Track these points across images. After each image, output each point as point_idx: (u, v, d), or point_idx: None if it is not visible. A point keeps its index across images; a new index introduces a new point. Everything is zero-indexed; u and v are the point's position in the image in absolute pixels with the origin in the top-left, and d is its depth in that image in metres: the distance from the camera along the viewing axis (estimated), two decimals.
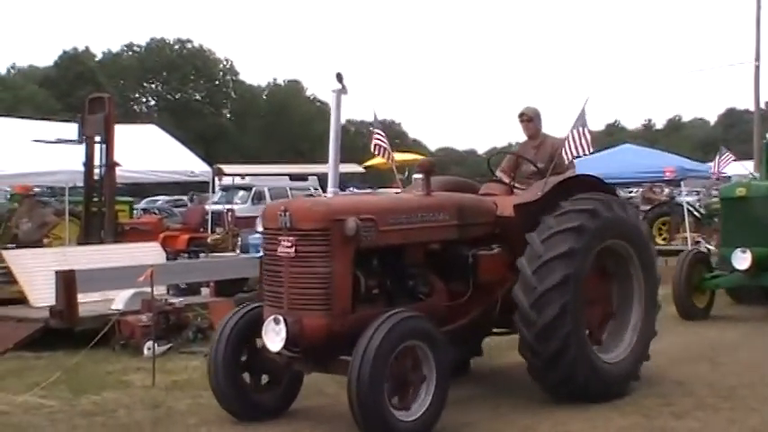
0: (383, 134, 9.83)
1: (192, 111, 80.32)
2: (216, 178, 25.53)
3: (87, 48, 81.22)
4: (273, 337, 6.75)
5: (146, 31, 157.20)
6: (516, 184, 8.95)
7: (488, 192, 8.94)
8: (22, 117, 28.89)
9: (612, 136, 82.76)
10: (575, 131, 8.32)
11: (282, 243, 6.93)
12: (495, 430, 7.22)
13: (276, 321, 6.72)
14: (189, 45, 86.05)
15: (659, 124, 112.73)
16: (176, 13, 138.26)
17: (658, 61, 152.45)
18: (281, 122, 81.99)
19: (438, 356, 6.82)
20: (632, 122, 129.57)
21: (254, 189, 31.36)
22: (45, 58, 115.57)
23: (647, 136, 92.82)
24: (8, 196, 24.60)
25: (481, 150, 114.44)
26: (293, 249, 6.86)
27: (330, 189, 10.44)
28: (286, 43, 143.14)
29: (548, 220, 7.83)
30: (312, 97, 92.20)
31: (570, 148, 8.34)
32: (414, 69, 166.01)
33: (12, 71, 79.10)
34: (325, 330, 6.78)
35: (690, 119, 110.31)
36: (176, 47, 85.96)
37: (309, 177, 34.71)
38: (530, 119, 9.25)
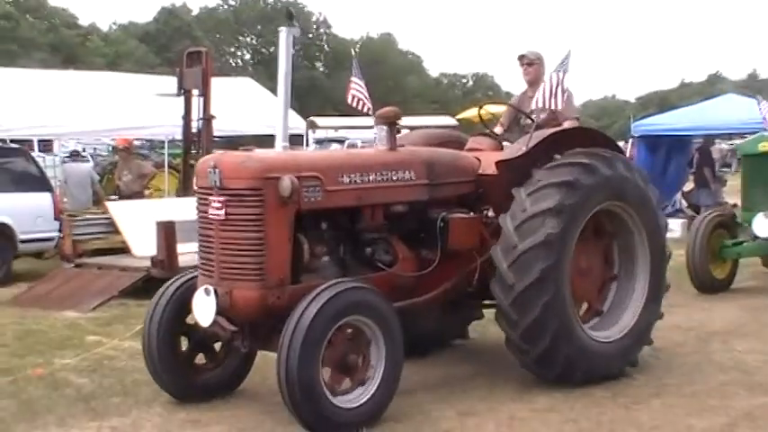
0: (361, 84, 8.94)
1: None
2: (309, 131, 25.75)
3: (185, 3, 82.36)
4: (203, 311, 6.05)
5: None
6: (507, 139, 7.96)
7: (475, 147, 7.84)
8: (123, 71, 29.50)
9: (714, 86, 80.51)
10: (552, 78, 7.29)
11: (212, 204, 6.10)
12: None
13: (206, 293, 6.01)
14: None
15: (765, 74, 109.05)
16: None
17: (763, 10, 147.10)
18: (374, 75, 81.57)
19: (388, 334, 6.00)
20: (736, 73, 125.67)
21: (346, 141, 31.60)
22: (144, 14, 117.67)
23: (752, 85, 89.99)
24: (110, 149, 25.25)
25: (577, 102, 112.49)
26: (223, 211, 6.04)
27: (279, 144, 9.08)
28: None
29: (537, 174, 6.89)
30: (405, 50, 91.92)
31: (543, 96, 7.28)
32: (506, 19, 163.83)
33: (113, 27, 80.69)
34: (259, 303, 6.01)
35: None
36: (270, 0, 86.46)
37: (402, 130, 34.74)
38: (530, 62, 8.22)
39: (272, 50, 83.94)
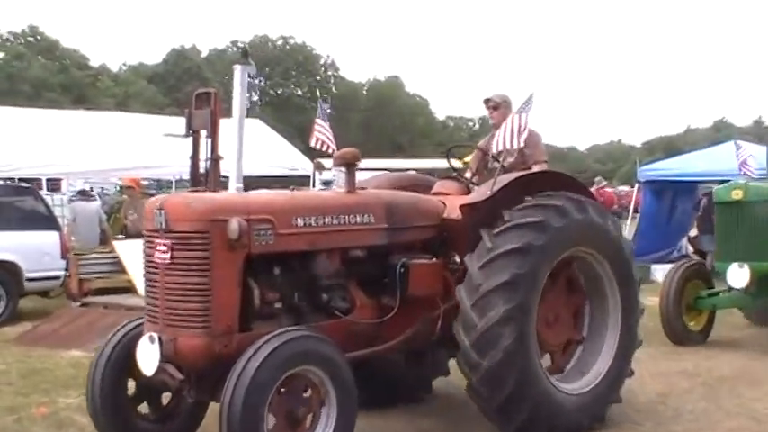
0: (326, 126, 8.74)
1: (294, 105, 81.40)
2: (316, 172, 25.80)
3: (194, 45, 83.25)
4: (147, 358, 5.68)
5: (250, 28, 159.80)
6: (474, 182, 7.71)
7: (441, 190, 7.56)
8: (132, 112, 29.69)
9: (720, 132, 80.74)
10: (514, 119, 7.05)
11: (158, 247, 5.77)
12: None
13: (151, 340, 5.66)
14: (291, 41, 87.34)
15: None
16: (280, 11, 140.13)
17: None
18: (381, 117, 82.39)
19: (339, 385, 5.64)
20: (742, 120, 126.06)
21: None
22: (154, 55, 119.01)
23: (757, 133, 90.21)
24: (118, 188, 25.35)
25: (582, 147, 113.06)
26: (168, 255, 5.70)
27: (233, 185, 8.63)
28: (386, 40, 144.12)
29: (506, 214, 6.58)
30: (412, 93, 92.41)
31: (504, 137, 7.01)
32: (514, 65, 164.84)
33: (123, 68, 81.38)
34: (205, 351, 5.63)
35: None
36: (279, 43, 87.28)
37: (409, 171, 34.86)
38: (496, 105, 8.06)
39: (280, 92, 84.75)
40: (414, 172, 8.44)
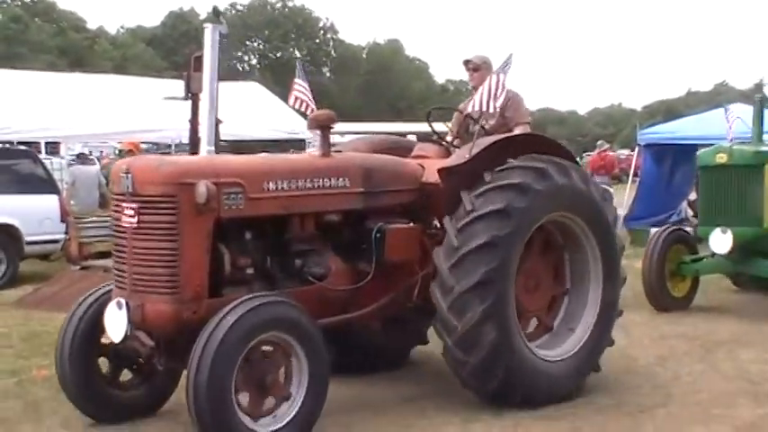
0: (305, 86, 8.57)
1: (293, 69, 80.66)
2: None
3: (193, 8, 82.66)
4: (114, 325, 5.57)
5: None
6: (455, 145, 7.50)
7: (420, 154, 7.37)
8: (130, 74, 29.59)
9: (721, 95, 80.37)
10: (492, 80, 6.92)
11: (125, 211, 5.63)
12: None
13: (118, 306, 5.54)
14: (290, 3, 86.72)
15: None
16: None
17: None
18: (381, 81, 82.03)
19: (310, 351, 5.55)
20: (742, 83, 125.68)
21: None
22: (152, 18, 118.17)
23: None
24: (117, 152, 25.35)
25: (582, 111, 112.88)
26: (135, 219, 5.56)
27: (204, 148, 8.41)
28: (386, 3, 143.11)
29: (487, 176, 6.43)
30: (412, 57, 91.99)
31: (481, 99, 6.91)
32: (514, 28, 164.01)
33: (121, 30, 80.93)
34: (172, 318, 5.53)
35: None
36: (278, 5, 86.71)
37: (408, 136, 34.81)
38: (476, 67, 7.80)
39: (278, 55, 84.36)
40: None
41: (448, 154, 7.26)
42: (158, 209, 5.55)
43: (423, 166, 6.92)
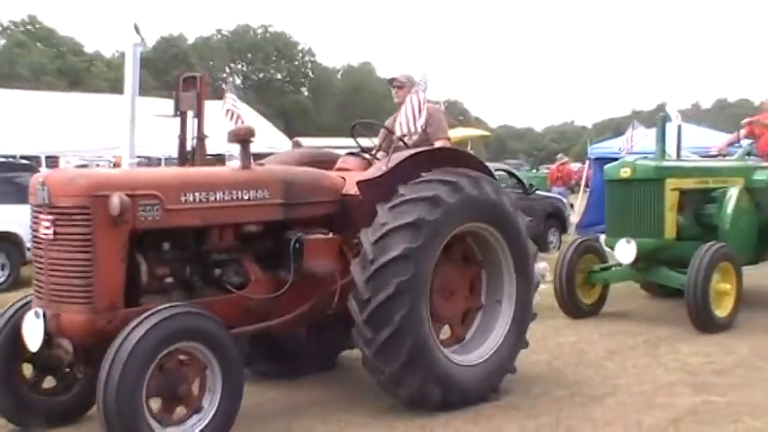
0: (236, 99, 8.26)
1: (274, 89, 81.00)
2: (294, 150, 25.73)
3: (182, 33, 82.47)
4: (32, 334, 5.31)
5: (233, 17, 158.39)
6: (379, 158, 7.17)
7: (343, 167, 7.07)
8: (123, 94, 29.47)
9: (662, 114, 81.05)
10: (413, 100, 6.76)
11: (42, 223, 5.37)
12: None
13: (36, 315, 5.29)
14: (271, 29, 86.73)
15: (706, 104, 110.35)
16: (261, 1, 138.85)
17: (706, 44, 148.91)
18: (355, 100, 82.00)
19: (223, 360, 5.26)
20: (681, 103, 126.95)
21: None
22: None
23: (696, 114, 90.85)
24: (112, 165, 25.20)
25: (538, 128, 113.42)
26: (51, 230, 5.28)
27: (126, 161, 7.67)
28: (360, 29, 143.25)
29: (401, 189, 6.16)
30: (383, 78, 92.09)
31: (406, 120, 6.76)
32: (476, 52, 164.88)
33: (116, 54, 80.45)
34: (87, 327, 5.22)
35: (735, 99, 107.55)
36: (260, 31, 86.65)
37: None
38: (401, 85, 7.59)
39: (261, 76, 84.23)
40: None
41: (369, 167, 6.94)
42: (73, 220, 5.26)
43: (344, 179, 6.64)
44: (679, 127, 11.76)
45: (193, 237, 5.86)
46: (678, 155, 11.43)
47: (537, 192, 18.83)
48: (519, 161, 52.89)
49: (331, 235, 6.39)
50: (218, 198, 5.80)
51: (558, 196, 20.24)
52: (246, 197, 5.96)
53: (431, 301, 6.26)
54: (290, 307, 6.16)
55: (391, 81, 7.84)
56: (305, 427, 6.01)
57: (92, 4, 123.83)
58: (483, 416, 6.19)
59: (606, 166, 10.48)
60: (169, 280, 5.70)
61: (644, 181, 9.77)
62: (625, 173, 9.90)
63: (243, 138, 6.16)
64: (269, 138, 21.92)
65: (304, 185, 6.34)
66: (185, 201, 5.63)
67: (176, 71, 49.69)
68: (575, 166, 27.61)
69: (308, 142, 29.20)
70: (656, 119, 10.77)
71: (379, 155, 7.25)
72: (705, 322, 8.96)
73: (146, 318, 5.03)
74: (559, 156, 25.87)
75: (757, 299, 10.57)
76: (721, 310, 9.17)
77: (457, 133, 37.67)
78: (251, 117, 23.48)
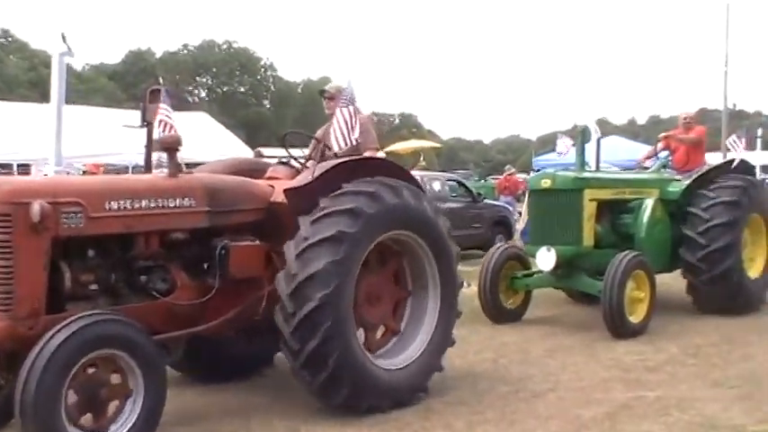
0: (169, 110, 8.00)
1: (237, 102, 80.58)
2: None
3: (150, 48, 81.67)
4: None
5: (199, 32, 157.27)
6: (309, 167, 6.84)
7: (273, 175, 6.92)
8: (94, 105, 29.14)
9: (601, 129, 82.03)
10: (344, 113, 6.54)
11: None
12: None
13: None
14: (235, 45, 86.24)
15: (641, 120, 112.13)
16: (225, 18, 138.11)
17: (641, 64, 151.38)
18: (314, 113, 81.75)
19: (145, 367, 5.02)
20: (618, 118, 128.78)
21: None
22: (114, 56, 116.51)
23: (632, 130, 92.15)
24: (82, 173, 24.91)
25: (487, 140, 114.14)
26: None
27: (52, 168, 7.70)
28: (319, 44, 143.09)
29: (322, 202, 5.95)
30: None
31: (341, 136, 6.55)
32: (431, 67, 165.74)
33: (86, 67, 79.47)
34: (7, 334, 4.94)
35: (667, 116, 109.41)
36: (224, 46, 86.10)
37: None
38: (331, 96, 7.44)
39: (225, 90, 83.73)
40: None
41: (297, 175, 6.74)
42: None
43: (273, 187, 6.43)
44: (598, 140, 11.79)
45: (119, 244, 5.60)
46: (597, 167, 11.48)
47: (485, 200, 19.01)
48: (469, 171, 53.13)
49: (258, 242, 6.15)
50: (142, 205, 5.57)
51: (506, 205, 20.41)
52: (172, 204, 5.73)
53: (359, 311, 6.12)
54: (217, 313, 5.96)
55: (322, 92, 7.75)
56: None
57: (62, 17, 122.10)
58: (433, 411, 6.22)
59: (529, 177, 10.31)
60: (94, 287, 5.44)
61: (563, 191, 9.71)
62: (546, 183, 9.84)
63: (169, 146, 5.92)
64: (232, 148, 21.81)
65: (231, 193, 6.11)
66: (109, 208, 5.40)
67: (144, 84, 49.27)
68: (521, 176, 27.94)
69: (269, 152, 29.16)
70: (576, 132, 10.75)
71: (309, 164, 7.02)
72: (619, 328, 8.87)
73: (66, 324, 4.79)
74: (507, 167, 26.20)
75: (683, 303, 10.68)
76: (635, 317, 9.09)
77: (410, 145, 37.93)
78: (214, 128, 23.39)
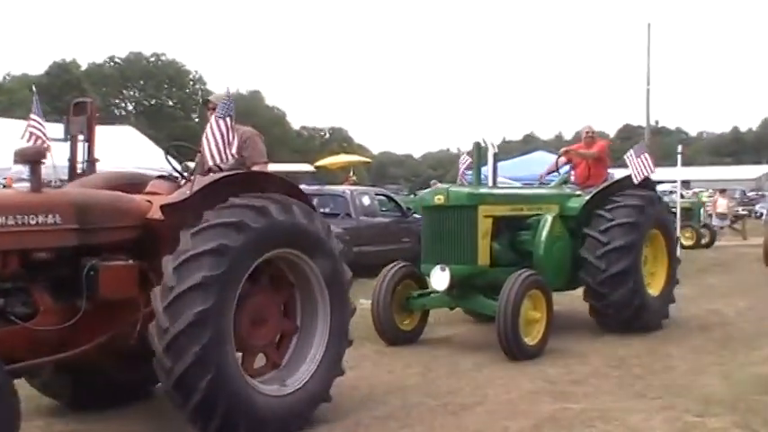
0: (40, 121, 7.79)
1: (166, 115, 79.61)
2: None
3: (74, 59, 79.95)
4: None
5: (125, 44, 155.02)
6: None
7: (153, 190, 6.42)
8: (15, 118, 28.49)
9: (528, 144, 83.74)
10: (221, 125, 6.09)
11: None
12: None
13: None
14: (163, 57, 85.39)
15: (568, 136, 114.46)
16: (153, 29, 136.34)
17: (568, 81, 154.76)
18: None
19: None
20: (546, 134, 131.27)
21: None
22: (37, 67, 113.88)
23: (558, 145, 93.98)
24: (2, 187, 24.27)
25: (417, 155, 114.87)
26: None
27: None
28: (249, 57, 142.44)
29: (206, 215, 5.55)
30: (271, 105, 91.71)
31: (217, 150, 6.11)
32: (361, 80, 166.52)
33: (7, 78, 77.46)
34: None
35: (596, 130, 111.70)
36: (152, 59, 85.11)
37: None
38: (214, 107, 6.91)
39: (152, 103, 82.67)
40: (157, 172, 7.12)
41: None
42: None
43: (151, 202, 5.96)
44: (495, 155, 11.17)
45: None
46: (494, 182, 11.05)
47: (414, 215, 19.13)
48: (399, 186, 53.49)
49: (131, 261, 5.66)
50: (0, 223, 5.07)
51: None
52: (34, 222, 5.22)
53: (241, 331, 5.71)
54: (86, 337, 5.49)
55: (206, 102, 7.47)
56: None
57: None
58: (362, 426, 6.21)
59: (421, 193, 9.78)
60: None
61: (457, 208, 9.28)
62: (439, 200, 9.36)
63: (31, 159, 5.48)
64: (158, 162, 21.46)
65: (102, 210, 5.63)
66: None
67: (69, 96, 48.28)
68: None
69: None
70: (473, 147, 10.40)
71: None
72: (514, 350, 8.49)
73: None
74: (433, 182, 26.41)
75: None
76: (531, 338, 8.69)
77: (340, 159, 38.04)
78: (140, 142, 23.03)
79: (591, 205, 10.31)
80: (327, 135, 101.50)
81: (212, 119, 6.16)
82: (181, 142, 6.94)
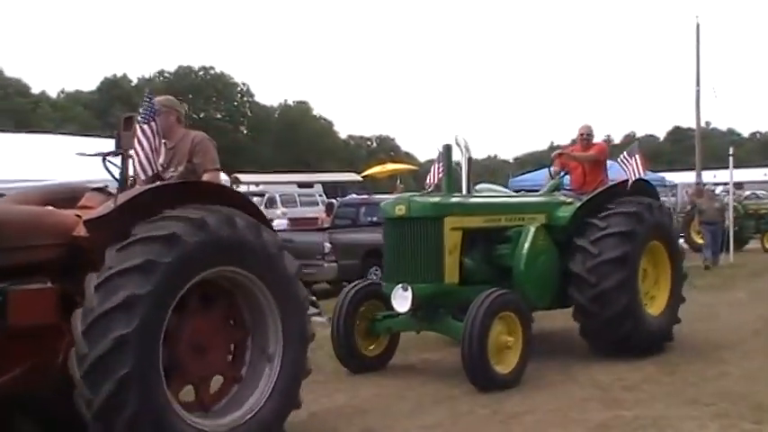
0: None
1: (214, 127, 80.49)
2: (233, 186, 25.64)
3: (125, 74, 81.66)
4: None
5: (175, 59, 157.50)
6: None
7: (86, 204, 5.85)
8: (68, 134, 29.20)
9: None
10: (146, 131, 5.63)
11: None
12: None
13: None
14: (212, 71, 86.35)
15: (617, 139, 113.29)
16: (201, 44, 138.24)
17: (616, 84, 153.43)
18: (291, 138, 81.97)
19: None
20: (594, 138, 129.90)
21: (266, 195, 31.56)
22: (89, 83, 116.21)
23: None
24: None
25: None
26: None
27: None
28: (296, 69, 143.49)
29: (135, 228, 4.95)
30: (318, 116, 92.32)
31: (145, 161, 5.65)
32: (408, 88, 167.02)
33: (61, 95, 79.27)
34: None
35: (642, 135, 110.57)
36: (201, 73, 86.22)
37: (315, 185, 35.17)
38: (158, 111, 6.16)
39: (201, 116, 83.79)
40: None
41: None
42: None
43: (80, 217, 5.35)
44: (469, 159, 9.39)
45: None
46: (468, 190, 9.31)
47: None
48: None
49: (49, 284, 5.08)
50: None
51: None
52: None
53: (175, 355, 5.12)
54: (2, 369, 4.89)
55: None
56: None
57: (37, 45, 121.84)
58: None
59: (382, 203, 8.84)
60: None
61: (420, 219, 8.18)
62: (400, 210, 8.26)
63: None
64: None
65: (19, 228, 5.05)
66: None
67: (119, 112, 49.18)
68: None
69: (247, 178, 29.21)
70: (440, 150, 9.27)
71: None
72: (482, 379, 7.49)
73: None
74: (401, 186, 26.34)
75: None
76: (503, 366, 7.64)
77: (386, 168, 38.15)
78: None
79: (582, 213, 9.16)
80: (374, 144, 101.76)
81: (136, 126, 5.64)
82: (118, 150, 5.90)
